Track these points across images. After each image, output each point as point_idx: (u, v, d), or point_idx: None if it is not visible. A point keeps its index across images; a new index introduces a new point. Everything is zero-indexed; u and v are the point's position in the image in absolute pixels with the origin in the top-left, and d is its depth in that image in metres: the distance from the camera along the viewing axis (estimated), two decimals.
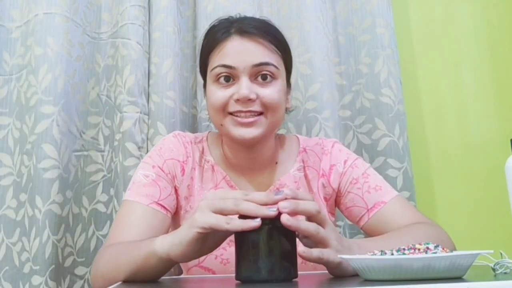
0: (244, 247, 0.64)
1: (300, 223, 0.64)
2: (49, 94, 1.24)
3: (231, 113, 0.91)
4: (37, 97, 1.24)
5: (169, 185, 0.96)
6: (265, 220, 0.63)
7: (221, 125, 0.93)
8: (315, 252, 0.65)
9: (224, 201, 0.65)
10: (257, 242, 0.63)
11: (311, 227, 0.65)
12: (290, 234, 0.65)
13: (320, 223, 0.66)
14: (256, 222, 0.62)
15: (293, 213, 0.64)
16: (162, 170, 0.96)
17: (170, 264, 0.73)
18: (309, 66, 1.34)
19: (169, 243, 0.69)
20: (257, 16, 1.30)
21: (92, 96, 1.35)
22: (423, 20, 1.54)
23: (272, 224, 0.64)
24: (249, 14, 1.20)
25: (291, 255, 0.65)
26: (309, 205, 0.66)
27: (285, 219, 0.63)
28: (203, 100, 1.33)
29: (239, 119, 0.90)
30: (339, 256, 0.65)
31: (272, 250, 0.64)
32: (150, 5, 1.34)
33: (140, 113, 1.27)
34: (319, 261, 0.65)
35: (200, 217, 0.66)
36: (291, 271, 0.65)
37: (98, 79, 1.36)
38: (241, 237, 0.65)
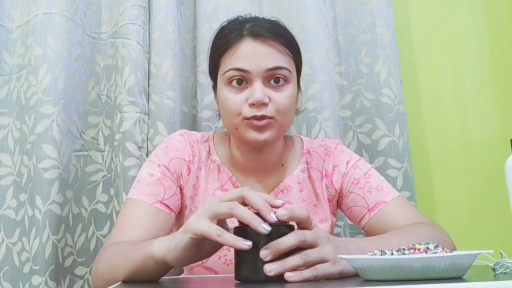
0: None
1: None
2: (49, 94, 1.23)
3: (246, 119, 0.90)
4: (37, 97, 1.24)
5: (174, 184, 0.96)
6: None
7: (236, 128, 0.92)
8: (306, 273, 0.64)
9: (219, 204, 0.65)
10: (256, 242, 0.63)
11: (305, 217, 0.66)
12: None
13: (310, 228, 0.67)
14: (247, 246, 0.62)
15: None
16: (168, 169, 0.95)
17: (167, 267, 0.72)
18: (309, 66, 1.34)
19: (166, 247, 0.68)
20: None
21: (92, 96, 1.35)
22: (423, 20, 1.54)
23: (271, 224, 0.63)
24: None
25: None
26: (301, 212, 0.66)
27: (281, 214, 0.63)
28: (203, 100, 1.33)
29: (254, 121, 0.90)
30: (339, 256, 0.65)
31: None
32: (150, 5, 1.34)
33: (140, 113, 1.27)
34: (314, 278, 0.64)
35: (193, 223, 0.65)
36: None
37: (98, 79, 1.36)
38: (241, 237, 0.64)
